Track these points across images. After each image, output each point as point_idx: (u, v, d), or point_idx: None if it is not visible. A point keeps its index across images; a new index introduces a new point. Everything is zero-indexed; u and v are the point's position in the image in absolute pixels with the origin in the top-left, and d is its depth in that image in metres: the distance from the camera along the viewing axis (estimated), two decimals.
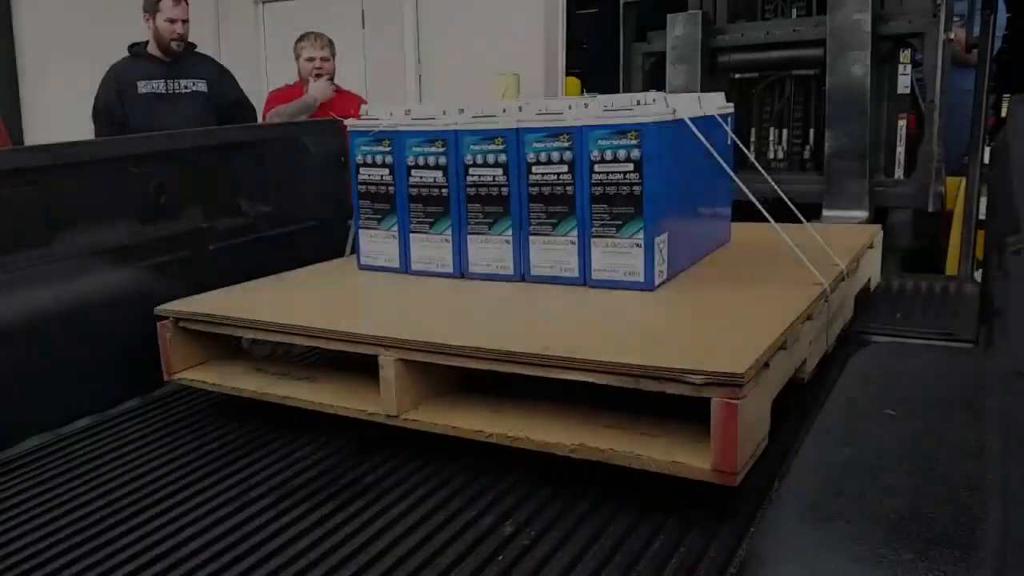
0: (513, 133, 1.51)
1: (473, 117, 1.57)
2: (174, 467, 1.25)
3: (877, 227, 1.98)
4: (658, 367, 1.01)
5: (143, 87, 3.14)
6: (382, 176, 1.71)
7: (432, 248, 1.68)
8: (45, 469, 1.29)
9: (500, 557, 0.93)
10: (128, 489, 1.18)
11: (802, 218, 1.70)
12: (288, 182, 2.00)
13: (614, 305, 1.39)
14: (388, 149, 1.68)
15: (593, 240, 1.48)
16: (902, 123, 2.98)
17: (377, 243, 1.76)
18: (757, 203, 1.69)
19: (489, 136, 1.54)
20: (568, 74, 4.85)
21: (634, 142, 1.40)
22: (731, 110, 1.81)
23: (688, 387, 0.99)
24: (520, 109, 1.52)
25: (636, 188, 1.42)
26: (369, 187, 1.74)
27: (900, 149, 2.97)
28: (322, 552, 0.98)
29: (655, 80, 3.31)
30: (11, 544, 1.04)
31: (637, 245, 1.44)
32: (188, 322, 1.48)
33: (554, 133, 1.47)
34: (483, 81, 4.45)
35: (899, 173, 3.01)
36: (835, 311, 1.50)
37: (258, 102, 3.62)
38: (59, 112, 2.70)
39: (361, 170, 1.73)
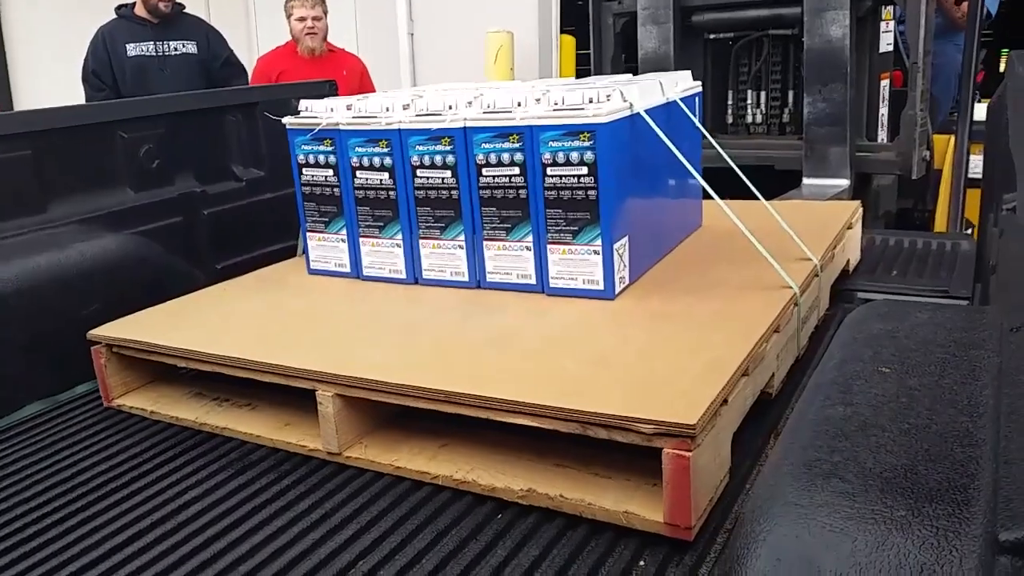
0: (461, 133, 1.57)
1: (417, 115, 1.62)
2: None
3: (856, 204, 2.07)
4: (606, 415, 1.05)
5: (132, 49, 3.45)
6: (326, 177, 1.77)
7: (383, 254, 1.74)
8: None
9: None
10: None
11: (760, 196, 1.78)
12: (282, 146, 2.13)
13: (568, 323, 1.45)
14: (331, 149, 1.73)
15: (549, 247, 1.55)
16: (885, 83, 3.17)
17: (326, 247, 1.83)
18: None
19: (435, 136, 1.60)
20: (563, 31, 5.16)
21: (587, 144, 1.45)
22: (698, 88, 1.89)
23: (638, 436, 1.03)
24: (469, 105, 1.58)
25: (591, 193, 1.47)
26: (313, 188, 1.79)
27: (884, 110, 3.17)
28: None
29: (626, 41, 3.50)
30: None
31: (595, 252, 1.51)
32: (121, 348, 1.55)
33: (503, 133, 1.53)
34: (476, 39, 4.83)
35: (883, 136, 3.20)
36: (808, 311, 1.56)
37: (248, 65, 3.93)
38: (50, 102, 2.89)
39: (304, 171, 1.79)
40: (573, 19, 5.12)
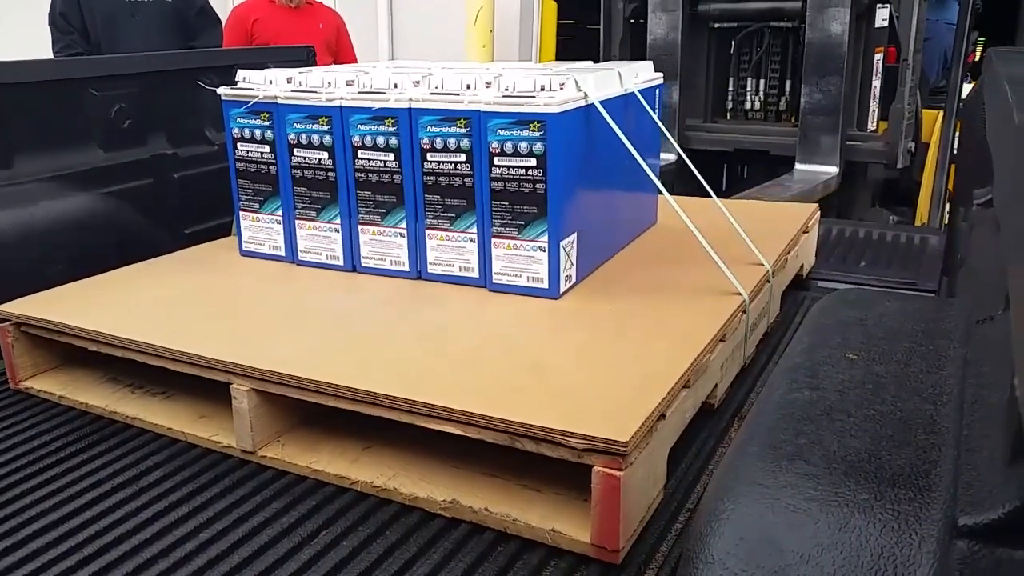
0: (405, 113, 1.62)
1: (360, 92, 1.66)
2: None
3: (814, 207, 2.22)
4: (536, 426, 1.09)
5: None
6: (262, 154, 1.80)
7: (320, 238, 1.77)
8: None
9: None
10: None
11: (712, 193, 1.90)
12: None
13: (508, 323, 1.50)
14: (268, 123, 1.76)
15: (493, 240, 1.60)
16: (879, 56, 3.63)
17: (260, 229, 1.86)
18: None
19: (378, 116, 1.64)
20: None
21: (536, 134, 1.50)
22: (659, 81, 1.98)
23: (568, 451, 1.07)
24: (416, 84, 1.63)
25: (539, 186, 1.52)
26: (248, 165, 1.82)
27: (876, 83, 3.64)
28: None
29: (635, 27, 4.01)
30: None
31: (541, 249, 1.56)
32: (29, 327, 1.56)
33: (450, 117, 1.58)
34: (456, 0, 5.09)
35: (874, 111, 3.70)
36: (757, 318, 1.65)
37: (223, 14, 4.04)
38: None
39: (238, 146, 1.82)
40: None
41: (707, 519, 0.74)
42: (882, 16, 3.63)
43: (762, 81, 3.97)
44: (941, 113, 3.76)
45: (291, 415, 1.36)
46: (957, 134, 3.32)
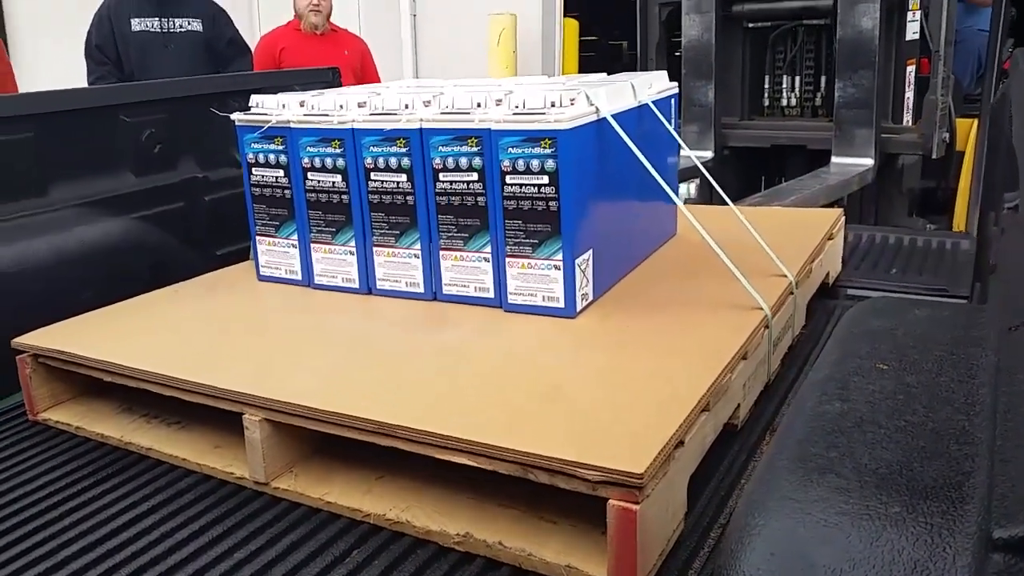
0: (416, 134, 1.67)
1: (371, 114, 1.73)
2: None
3: (839, 212, 2.27)
4: (549, 457, 1.10)
5: (137, 24, 3.87)
6: (276, 178, 1.87)
7: (336, 261, 1.84)
8: None
9: None
10: None
11: (729, 201, 1.95)
12: None
13: (523, 345, 1.54)
14: (282, 148, 1.83)
15: (508, 260, 1.64)
16: (911, 68, 3.90)
17: (276, 253, 1.93)
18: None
19: (390, 137, 1.70)
20: (566, 15, 5.87)
21: (548, 151, 1.54)
22: (674, 90, 2.04)
23: (582, 483, 1.08)
24: (427, 104, 1.68)
25: (552, 204, 1.56)
26: (264, 190, 1.90)
27: (909, 94, 3.92)
28: None
29: (670, 29, 4.37)
30: None
31: (556, 267, 1.60)
32: (47, 359, 1.62)
33: (461, 136, 1.63)
34: (479, 21, 5.66)
35: (907, 119, 3.95)
36: (781, 332, 1.67)
37: (251, 42, 4.46)
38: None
39: (253, 171, 1.89)
40: (576, 4, 5.93)
41: (738, 535, 0.77)
42: (913, 29, 3.87)
43: (797, 78, 4.26)
44: (976, 121, 3.92)
45: (304, 444, 1.40)
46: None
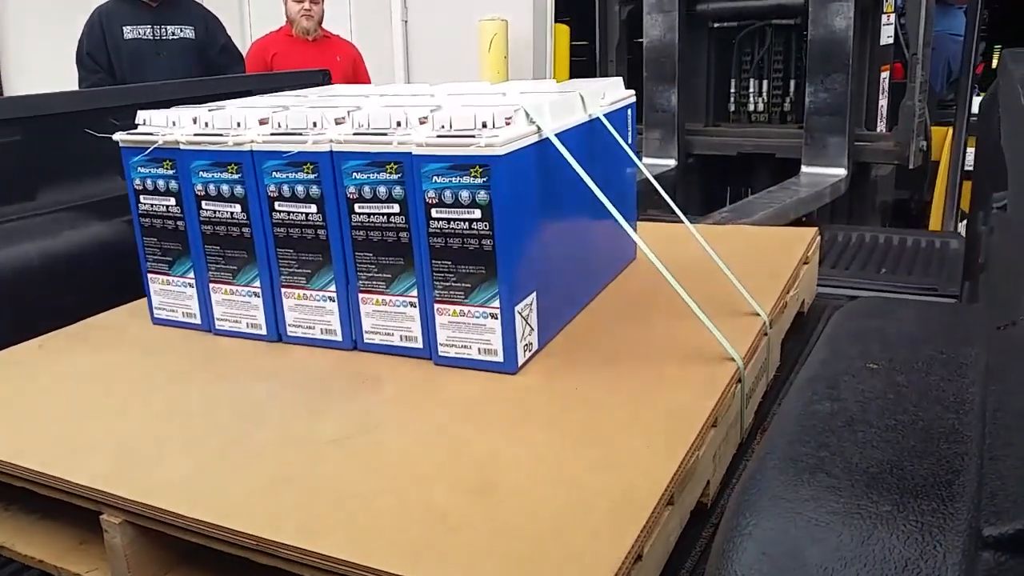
0: (327, 158, 1.76)
1: (273, 134, 1.80)
2: None
3: (814, 231, 2.49)
4: None
5: (129, 32, 4.60)
6: (167, 207, 1.98)
7: (239, 304, 1.95)
8: None
9: None
10: None
11: (691, 226, 2.10)
12: None
13: (452, 412, 1.59)
14: (172, 172, 1.94)
15: (437, 307, 1.72)
16: (885, 75, 4.32)
17: (171, 293, 2.03)
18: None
19: (295, 161, 1.77)
20: (558, 21, 6.87)
21: (480, 180, 1.60)
22: (630, 100, 2.21)
23: None
24: (338, 123, 1.76)
25: (486, 242, 1.64)
26: (153, 221, 2.01)
27: (883, 101, 4.33)
28: None
29: (631, 29, 4.75)
30: None
31: (492, 316, 1.68)
32: None
33: (378, 161, 1.71)
34: (470, 27, 6.69)
35: (882, 126, 4.37)
36: (754, 382, 1.79)
37: (242, 47, 5.32)
38: None
39: (141, 199, 2.00)
40: (567, 9, 6.63)
41: (728, 535, 0.93)
42: (888, 33, 4.30)
43: (765, 82, 4.71)
44: (950, 130, 4.44)
45: (177, 548, 1.43)
46: (971, 149, 3.81)
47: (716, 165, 4.98)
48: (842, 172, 4.27)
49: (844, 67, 4.20)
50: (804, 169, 4.37)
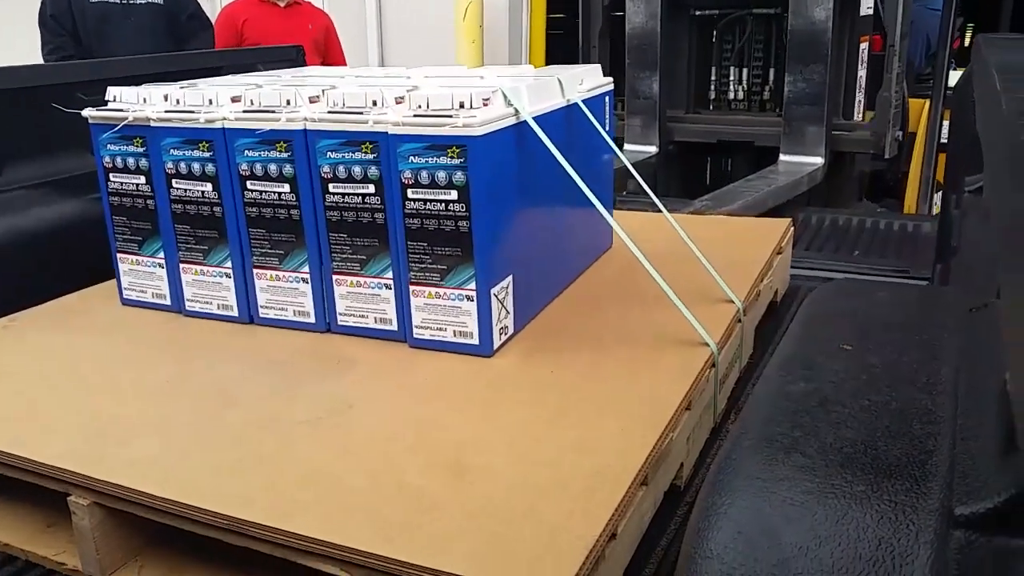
0: (300, 136, 1.76)
1: (245, 111, 1.80)
2: None
3: (787, 223, 2.54)
4: (439, 572, 1.11)
5: None
6: (137, 186, 1.98)
7: (209, 285, 1.94)
8: None
9: None
10: None
11: (661, 206, 2.12)
12: None
13: (427, 394, 1.60)
14: (142, 150, 1.94)
15: (412, 288, 1.73)
16: (864, 46, 4.46)
17: (140, 274, 2.03)
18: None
19: (268, 139, 1.78)
20: None
21: (457, 161, 1.60)
22: (608, 87, 2.23)
23: None
24: (312, 101, 1.76)
25: (463, 224, 1.64)
26: (123, 199, 2.00)
27: (862, 72, 4.49)
28: None
29: (615, 17, 5.00)
30: None
31: (468, 298, 1.69)
32: None
33: (353, 140, 1.71)
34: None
35: (860, 97, 4.54)
36: (728, 367, 1.82)
37: (211, 14, 5.20)
38: None
39: (111, 176, 1.99)
40: None
41: (704, 514, 0.94)
42: (867, 4, 4.40)
43: (745, 70, 4.84)
44: (927, 102, 4.62)
45: (146, 530, 1.43)
46: (946, 122, 3.97)
47: (696, 152, 5.12)
48: (819, 161, 4.40)
49: (823, 58, 4.31)
50: (783, 158, 4.48)
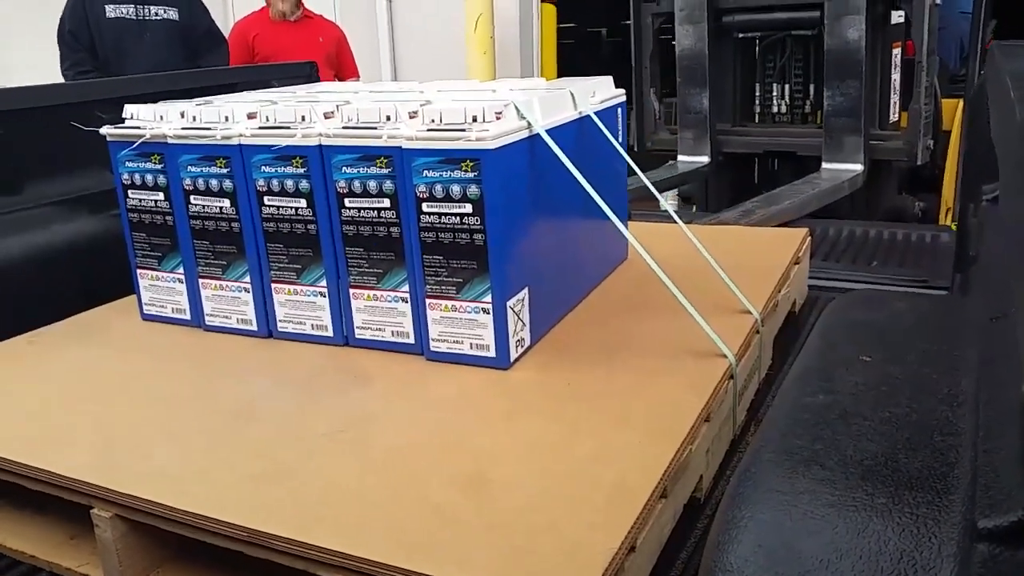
0: (316, 152, 1.77)
1: (261, 128, 1.82)
2: None
3: (805, 232, 2.54)
4: None
5: (111, 11, 4.56)
6: (156, 202, 1.99)
7: (228, 299, 1.96)
8: None
9: None
10: None
11: (679, 221, 2.12)
12: None
13: (445, 408, 1.60)
14: (160, 167, 1.95)
15: (428, 302, 1.73)
16: (897, 51, 4.81)
17: (161, 289, 2.04)
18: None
19: (285, 155, 1.79)
20: (544, 1, 7.15)
21: (471, 175, 1.61)
22: (621, 99, 2.23)
23: None
24: (327, 117, 1.78)
25: (478, 236, 1.65)
26: (142, 216, 2.02)
27: (895, 76, 4.85)
28: None
29: (662, 40, 5.49)
30: None
31: (485, 311, 1.69)
32: None
33: (368, 155, 1.72)
34: (456, 7, 6.74)
35: (895, 103, 4.91)
36: (746, 379, 1.81)
37: (223, 28, 5.29)
38: None
39: (129, 193, 2.01)
40: None
41: (724, 527, 0.94)
42: (898, 13, 4.70)
43: (787, 86, 5.32)
44: (961, 102, 4.91)
45: (168, 542, 1.43)
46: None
47: (744, 162, 5.54)
48: (859, 168, 4.75)
49: (858, 74, 4.66)
50: (824, 165, 4.83)
